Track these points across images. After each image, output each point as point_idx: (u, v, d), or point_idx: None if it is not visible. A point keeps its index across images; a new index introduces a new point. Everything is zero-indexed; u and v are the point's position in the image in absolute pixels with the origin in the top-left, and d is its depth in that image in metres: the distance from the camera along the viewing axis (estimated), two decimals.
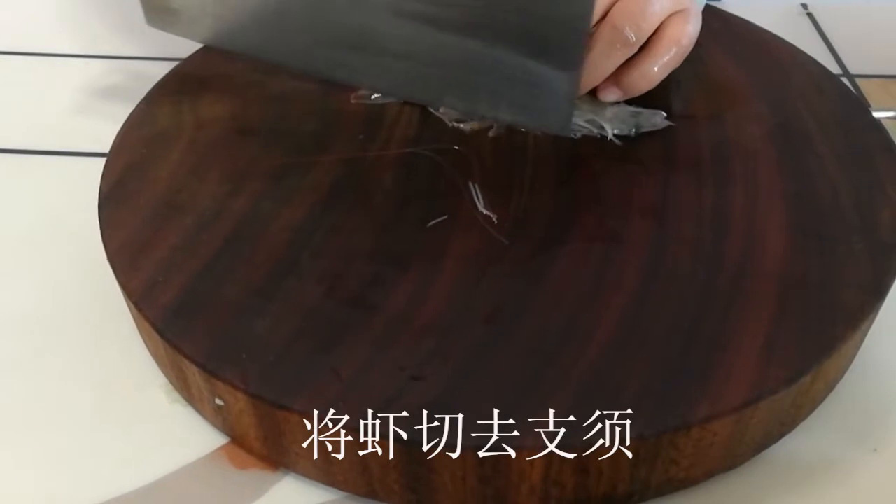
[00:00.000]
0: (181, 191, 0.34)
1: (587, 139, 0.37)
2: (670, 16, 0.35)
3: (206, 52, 0.42)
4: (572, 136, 0.37)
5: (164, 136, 0.37)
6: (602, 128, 0.36)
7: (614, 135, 0.36)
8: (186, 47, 0.43)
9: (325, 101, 0.39)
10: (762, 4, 0.55)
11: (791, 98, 0.39)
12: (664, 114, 0.37)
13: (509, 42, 0.32)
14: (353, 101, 0.38)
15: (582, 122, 0.37)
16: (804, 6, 0.56)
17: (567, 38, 0.31)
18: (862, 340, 0.31)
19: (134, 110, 0.39)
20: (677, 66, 0.36)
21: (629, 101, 0.37)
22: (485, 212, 0.33)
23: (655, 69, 0.35)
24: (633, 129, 0.37)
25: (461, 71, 0.33)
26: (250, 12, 0.37)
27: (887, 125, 0.38)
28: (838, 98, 0.39)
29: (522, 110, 0.34)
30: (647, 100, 0.37)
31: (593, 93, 0.36)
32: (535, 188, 0.34)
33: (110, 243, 0.32)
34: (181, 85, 0.40)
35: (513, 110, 0.34)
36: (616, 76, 0.35)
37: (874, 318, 0.30)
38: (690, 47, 0.36)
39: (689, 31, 0.35)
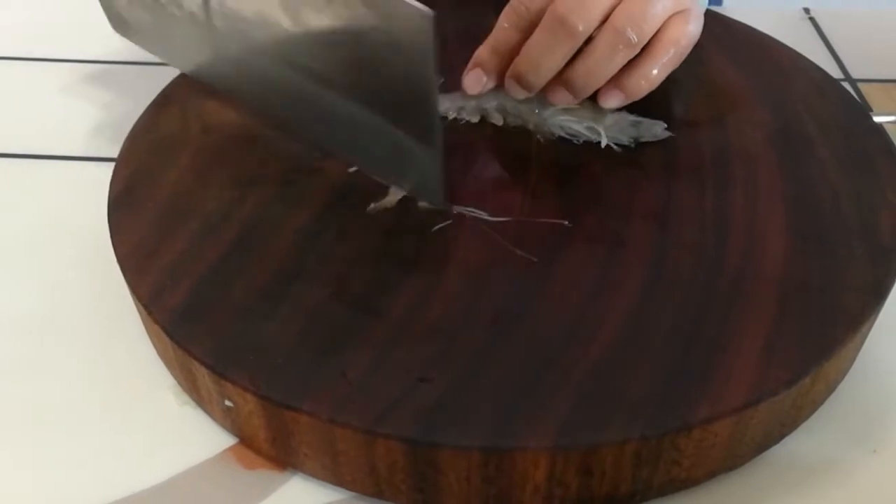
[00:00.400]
0: (188, 196, 0.35)
1: (590, 145, 0.37)
2: (671, 17, 0.35)
3: None
4: (574, 142, 0.37)
5: (172, 142, 0.37)
6: (600, 135, 0.37)
7: (615, 143, 0.37)
8: None
9: None
10: (764, 9, 0.55)
11: (792, 103, 0.40)
12: (664, 124, 0.37)
13: (375, 107, 0.32)
14: None
15: (581, 128, 0.37)
16: (806, 11, 0.56)
17: (420, 116, 0.31)
18: (862, 342, 0.32)
19: (141, 116, 0.39)
20: (676, 66, 0.36)
21: (630, 109, 0.37)
22: (489, 216, 0.33)
23: (655, 71, 0.36)
24: (633, 140, 0.37)
25: (342, 126, 0.34)
26: (181, 41, 0.38)
27: (889, 129, 0.38)
28: (839, 102, 0.40)
29: (402, 179, 0.34)
30: (650, 105, 0.37)
31: (594, 99, 0.37)
32: (538, 193, 0.35)
33: (120, 247, 0.32)
34: (187, 91, 0.41)
35: (394, 177, 0.34)
36: (616, 79, 0.36)
37: (874, 320, 0.31)
38: (690, 48, 0.36)
39: (688, 31, 0.36)
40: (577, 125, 0.37)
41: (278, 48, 0.34)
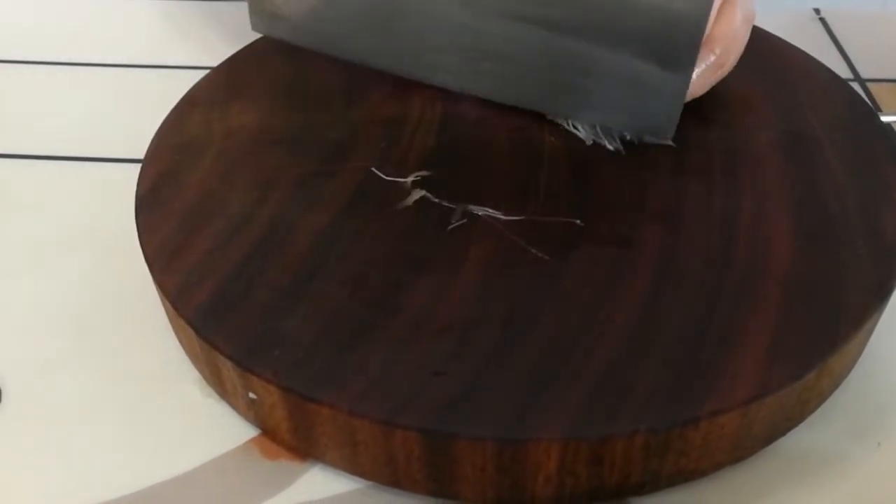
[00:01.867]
0: (213, 196, 0.36)
1: (600, 146, 0.38)
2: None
3: (234, 61, 0.44)
4: (582, 138, 0.38)
5: (195, 145, 0.39)
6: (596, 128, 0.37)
7: (618, 138, 0.38)
8: (215, 57, 0.45)
9: (349, 111, 0.40)
10: (775, 9, 0.56)
11: (799, 103, 0.40)
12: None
13: (622, 44, 0.32)
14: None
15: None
16: (816, 11, 0.56)
17: (683, 40, 0.31)
18: (867, 339, 0.32)
19: (166, 119, 0.40)
20: (727, 69, 0.37)
21: None
22: (502, 216, 0.34)
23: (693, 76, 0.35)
24: (636, 137, 0.38)
25: (570, 74, 0.34)
26: (357, 18, 0.37)
27: None
28: (847, 104, 0.40)
29: (628, 114, 0.34)
30: None
31: None
32: (550, 193, 0.36)
33: (147, 246, 0.34)
34: (210, 94, 0.42)
35: (619, 114, 0.34)
36: None
37: (878, 318, 0.32)
38: (737, 44, 0.36)
39: (734, 24, 0.35)
40: None
41: (510, 5, 0.34)
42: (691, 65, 0.32)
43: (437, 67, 0.37)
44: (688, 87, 0.33)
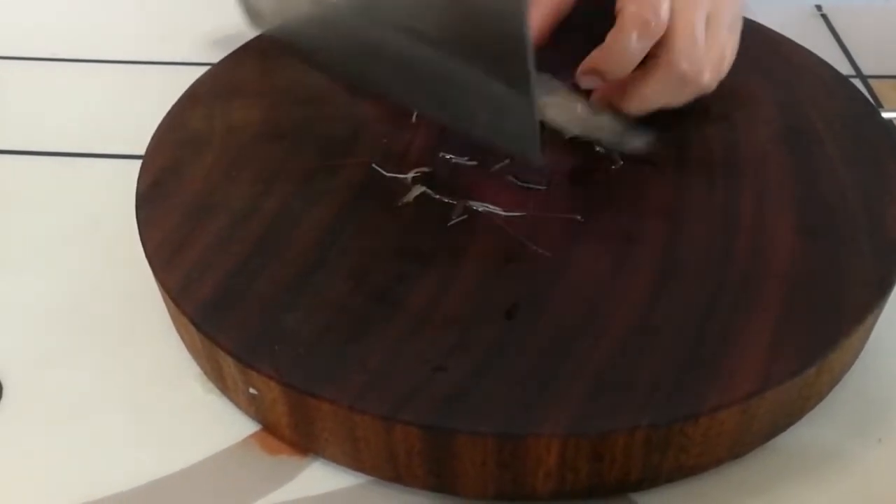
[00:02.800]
0: (214, 192, 0.36)
1: (601, 142, 0.38)
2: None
3: (236, 57, 0.44)
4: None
5: (197, 140, 0.39)
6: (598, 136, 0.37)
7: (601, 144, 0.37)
8: (217, 53, 0.45)
9: (351, 106, 0.40)
10: (776, 6, 0.56)
11: (801, 100, 0.40)
12: (648, 139, 0.36)
13: (474, 59, 0.31)
14: None
15: (564, 122, 0.37)
16: (818, 7, 0.56)
17: (510, 56, 0.30)
18: (867, 336, 0.32)
19: (167, 114, 0.40)
20: (686, 94, 0.36)
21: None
22: (503, 212, 0.34)
23: (648, 90, 0.35)
24: (615, 147, 0.37)
25: (441, 85, 0.34)
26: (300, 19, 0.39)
27: None
28: (849, 100, 0.40)
29: (498, 134, 0.33)
30: None
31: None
32: (551, 188, 0.36)
33: (148, 242, 0.34)
34: (212, 89, 0.42)
35: (490, 133, 0.34)
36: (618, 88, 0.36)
37: (879, 314, 0.32)
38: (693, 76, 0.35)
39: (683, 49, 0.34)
40: (562, 118, 0.37)
41: (373, 7, 0.34)
42: (527, 84, 0.29)
43: (356, 68, 0.38)
44: (533, 110, 0.30)
